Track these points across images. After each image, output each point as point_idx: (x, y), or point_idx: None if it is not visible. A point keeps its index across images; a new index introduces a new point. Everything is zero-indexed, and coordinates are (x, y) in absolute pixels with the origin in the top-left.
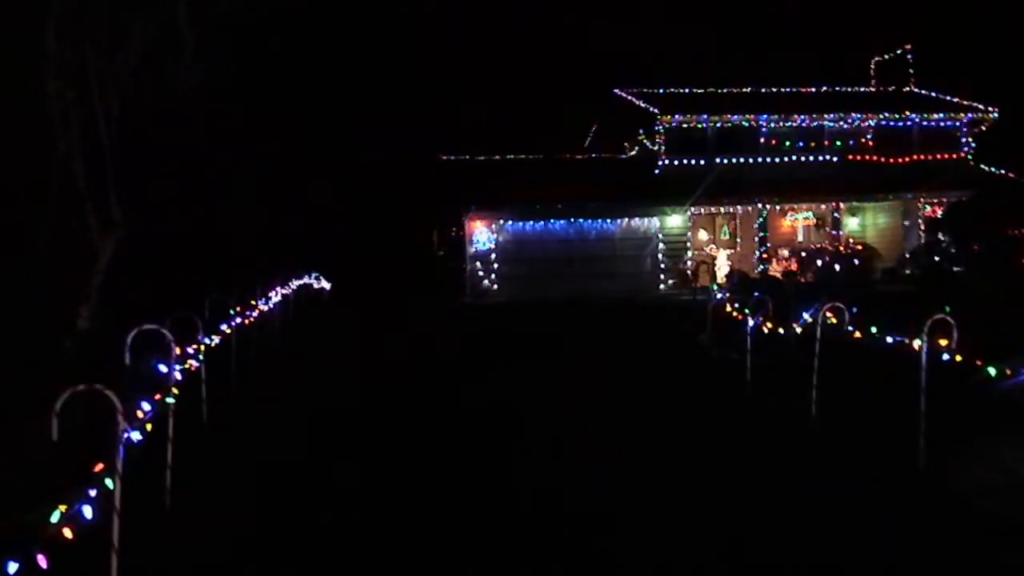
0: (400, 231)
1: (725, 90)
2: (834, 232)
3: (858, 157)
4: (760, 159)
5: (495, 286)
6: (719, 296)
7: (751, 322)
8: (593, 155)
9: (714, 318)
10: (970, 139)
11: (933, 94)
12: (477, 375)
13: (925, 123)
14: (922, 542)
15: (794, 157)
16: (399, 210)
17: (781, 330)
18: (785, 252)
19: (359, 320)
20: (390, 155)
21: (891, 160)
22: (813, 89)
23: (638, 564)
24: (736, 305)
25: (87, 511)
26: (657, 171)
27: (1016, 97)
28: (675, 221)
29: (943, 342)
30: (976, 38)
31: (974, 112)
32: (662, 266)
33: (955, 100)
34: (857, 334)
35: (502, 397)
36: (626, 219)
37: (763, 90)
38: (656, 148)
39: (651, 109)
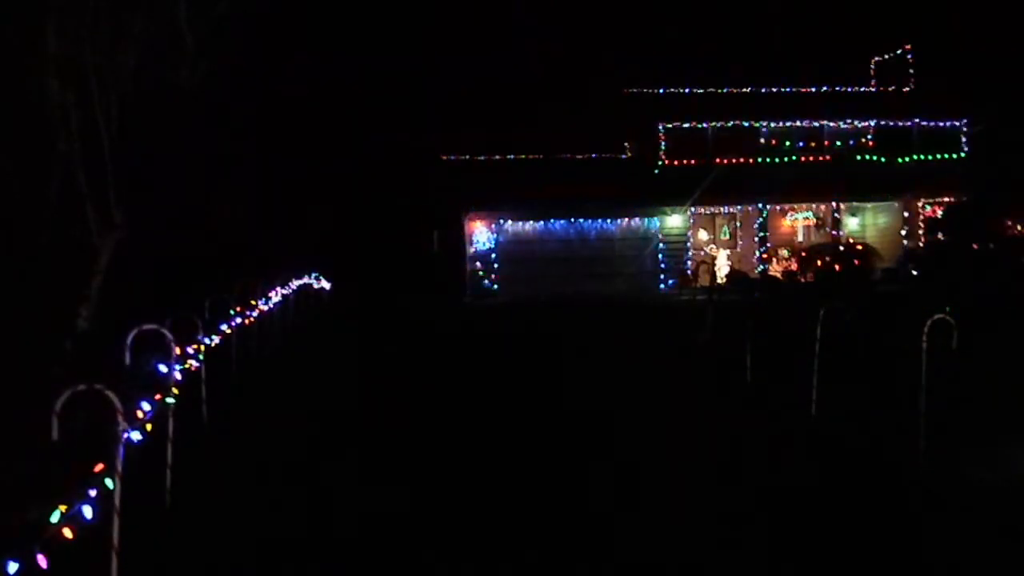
0: (400, 231)
1: (725, 90)
2: (834, 232)
3: (858, 157)
4: (760, 159)
5: (495, 286)
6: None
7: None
8: (594, 155)
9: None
10: (970, 139)
11: (933, 94)
12: (476, 374)
13: (925, 123)
14: (922, 542)
15: (794, 157)
16: (399, 210)
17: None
18: (785, 252)
19: (359, 320)
20: (390, 155)
21: (891, 160)
22: (813, 89)
23: None
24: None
25: (87, 511)
26: (657, 171)
27: (1016, 97)
28: (675, 221)
29: None
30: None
31: (974, 112)
32: (662, 266)
33: (955, 100)
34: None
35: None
36: (626, 219)
37: (763, 90)
38: (656, 148)
39: (652, 110)
